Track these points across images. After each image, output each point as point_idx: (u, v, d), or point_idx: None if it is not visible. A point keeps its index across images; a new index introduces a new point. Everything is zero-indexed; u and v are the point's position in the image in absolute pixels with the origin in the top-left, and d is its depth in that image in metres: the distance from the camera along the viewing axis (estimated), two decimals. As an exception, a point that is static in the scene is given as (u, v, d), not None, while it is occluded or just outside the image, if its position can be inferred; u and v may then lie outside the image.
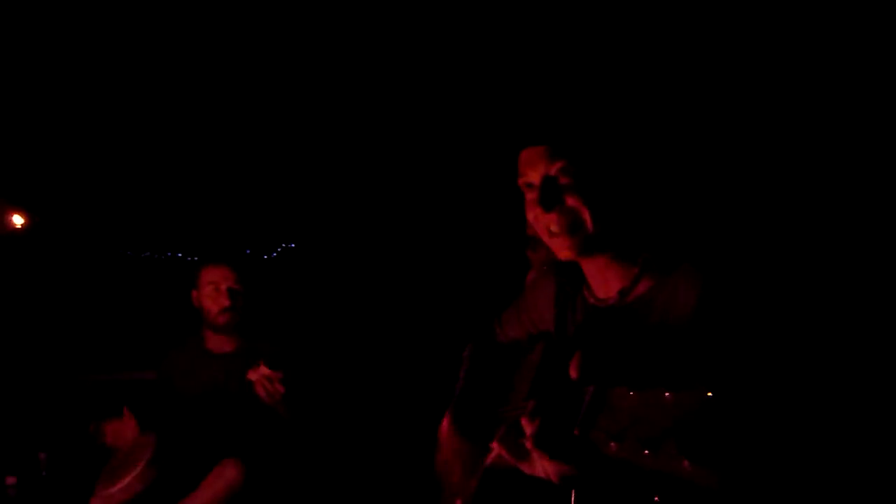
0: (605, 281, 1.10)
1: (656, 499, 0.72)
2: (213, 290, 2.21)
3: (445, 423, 1.33)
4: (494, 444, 1.14)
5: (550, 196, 1.01)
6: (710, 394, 0.67)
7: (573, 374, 0.84)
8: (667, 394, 0.70)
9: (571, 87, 1.08)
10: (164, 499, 1.93)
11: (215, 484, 1.98)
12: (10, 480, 2.05)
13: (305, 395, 2.14)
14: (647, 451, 0.69)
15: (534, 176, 1.03)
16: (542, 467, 0.86)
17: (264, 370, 1.97)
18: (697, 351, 0.91)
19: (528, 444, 0.85)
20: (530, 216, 1.07)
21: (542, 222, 1.04)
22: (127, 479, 1.85)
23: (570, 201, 1.01)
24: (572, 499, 0.96)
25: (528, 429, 0.85)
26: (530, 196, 1.06)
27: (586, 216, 1.01)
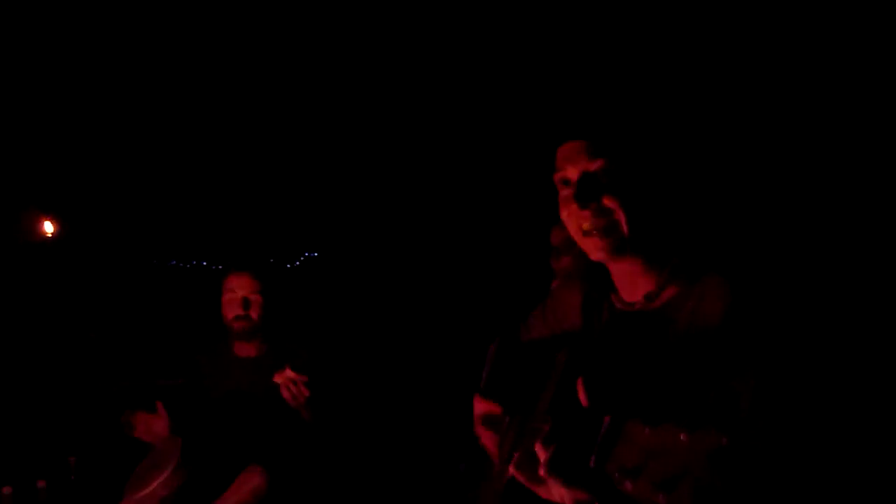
0: (632, 284, 1.09)
1: None
2: (230, 298, 2.24)
3: (477, 399, 1.32)
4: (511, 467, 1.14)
5: (587, 192, 0.99)
6: (724, 441, 0.65)
7: (582, 400, 0.83)
8: (682, 436, 0.68)
9: (618, 87, 1.07)
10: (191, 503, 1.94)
11: (240, 490, 1.99)
12: (41, 484, 2.08)
13: (330, 400, 2.15)
14: (661, 495, 0.68)
15: (572, 172, 1.02)
16: (558, 493, 0.85)
17: (290, 373, 1.98)
18: (717, 375, 0.88)
19: (542, 472, 0.83)
20: (563, 213, 1.05)
21: (576, 220, 1.03)
22: (154, 484, 1.87)
23: (607, 201, 0.99)
24: None
25: (542, 455, 0.84)
26: (565, 193, 1.04)
27: (621, 218, 0.99)
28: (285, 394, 1.99)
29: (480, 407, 1.31)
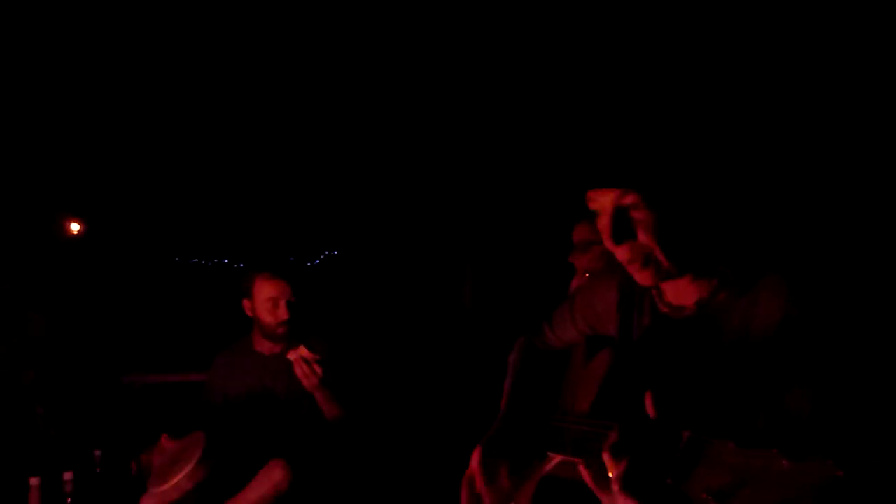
0: (681, 293, 1.06)
1: None
2: (272, 306, 2.26)
3: (476, 458, 1.29)
4: (552, 454, 1.11)
5: (621, 230, 0.97)
6: (840, 473, 0.59)
7: (651, 413, 0.78)
8: (784, 462, 0.62)
9: (645, 119, 1.02)
10: (213, 497, 1.96)
11: (262, 484, 2.00)
12: (67, 476, 2.11)
13: (345, 386, 2.17)
14: None
15: (604, 202, 0.99)
16: None
17: (304, 351, 2.01)
18: (778, 380, 0.85)
19: (616, 486, 0.78)
20: (603, 237, 1.03)
21: (615, 252, 1.01)
22: (178, 478, 1.88)
23: (642, 237, 0.97)
24: None
25: (614, 469, 0.79)
26: (602, 222, 1.01)
27: (659, 254, 0.97)
28: (297, 371, 2.02)
29: (475, 461, 1.26)
